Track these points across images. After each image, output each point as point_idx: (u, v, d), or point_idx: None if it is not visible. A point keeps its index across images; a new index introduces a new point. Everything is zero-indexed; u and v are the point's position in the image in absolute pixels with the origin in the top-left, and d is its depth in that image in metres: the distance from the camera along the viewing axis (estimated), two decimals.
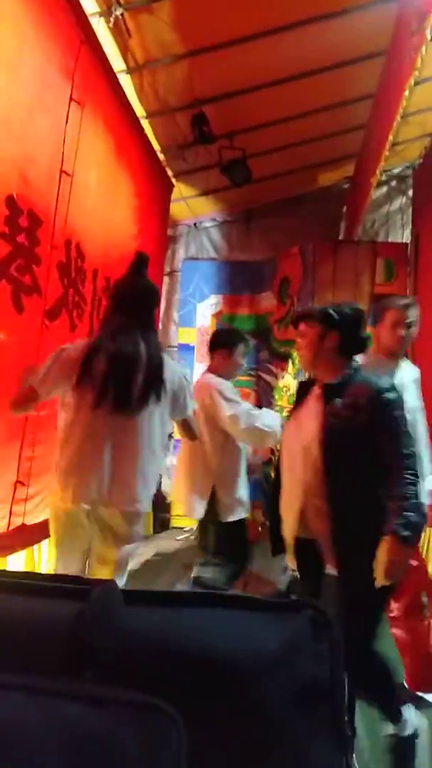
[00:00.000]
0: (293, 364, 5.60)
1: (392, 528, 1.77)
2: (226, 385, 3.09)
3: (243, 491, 3.14)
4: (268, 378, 5.93)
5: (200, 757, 0.58)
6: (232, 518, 3.04)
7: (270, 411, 3.64)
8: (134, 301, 2.24)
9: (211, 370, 3.23)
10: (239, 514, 3.08)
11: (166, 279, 6.14)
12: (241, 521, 3.11)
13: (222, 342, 3.27)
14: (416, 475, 1.82)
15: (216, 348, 3.27)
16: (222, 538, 3.07)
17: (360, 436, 1.88)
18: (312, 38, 3.79)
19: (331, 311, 2.02)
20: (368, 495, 1.88)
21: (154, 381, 2.12)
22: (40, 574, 1.91)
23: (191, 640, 0.63)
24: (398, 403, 1.91)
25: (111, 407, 2.07)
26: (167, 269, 6.14)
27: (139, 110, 4.10)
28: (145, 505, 2.19)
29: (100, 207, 3.47)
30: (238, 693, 0.60)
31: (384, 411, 1.88)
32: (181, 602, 0.67)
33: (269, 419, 3.05)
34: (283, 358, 5.77)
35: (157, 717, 0.59)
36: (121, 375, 2.08)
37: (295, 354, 5.60)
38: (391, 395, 1.91)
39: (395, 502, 1.80)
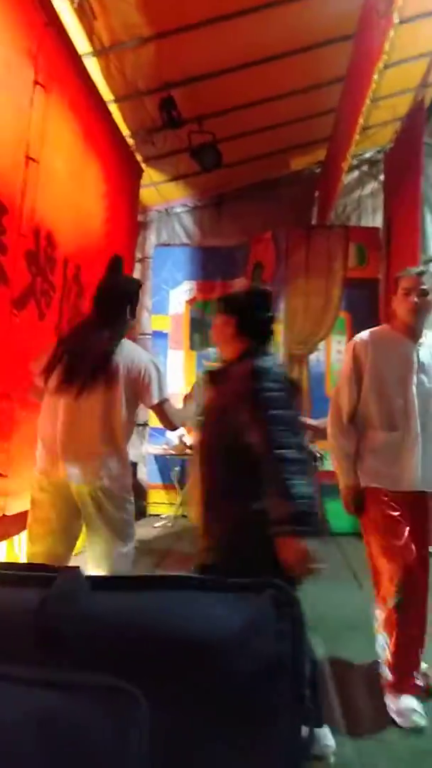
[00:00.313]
0: None
1: (276, 531, 1.63)
2: None
3: None
4: None
5: (166, 735, 0.60)
6: None
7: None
8: (99, 299, 2.46)
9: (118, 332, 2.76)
10: None
11: (137, 265, 6.09)
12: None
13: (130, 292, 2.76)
14: (297, 462, 1.66)
15: None
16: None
17: (232, 421, 1.77)
18: (280, 21, 3.76)
19: (226, 298, 2.10)
20: (238, 483, 1.75)
21: (98, 368, 2.29)
22: (7, 563, 1.92)
23: (156, 622, 0.64)
24: (272, 386, 1.75)
25: (64, 391, 2.30)
26: (138, 255, 6.08)
27: (107, 94, 4.03)
28: (99, 482, 2.26)
29: (68, 193, 3.42)
30: (202, 673, 0.61)
31: (255, 395, 1.74)
32: (146, 586, 0.68)
33: None
34: None
35: (122, 698, 0.60)
36: (71, 363, 2.31)
37: None
38: (265, 378, 1.77)
39: (272, 498, 1.64)
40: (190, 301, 6.13)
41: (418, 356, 2.39)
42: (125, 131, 4.53)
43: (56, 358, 2.34)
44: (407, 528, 2.29)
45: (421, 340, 2.42)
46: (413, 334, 2.42)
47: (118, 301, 2.43)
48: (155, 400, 2.39)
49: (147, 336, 6.16)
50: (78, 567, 0.69)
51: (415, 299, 2.35)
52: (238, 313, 1.97)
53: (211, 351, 6.05)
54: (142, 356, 2.42)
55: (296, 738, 0.60)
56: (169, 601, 0.68)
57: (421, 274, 2.42)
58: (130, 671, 0.61)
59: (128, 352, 2.37)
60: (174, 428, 2.71)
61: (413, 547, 2.28)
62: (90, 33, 3.53)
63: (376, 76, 3.16)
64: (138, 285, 2.61)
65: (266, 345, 1.99)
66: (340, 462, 2.45)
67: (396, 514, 2.31)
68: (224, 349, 2.03)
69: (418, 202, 4.45)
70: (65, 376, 2.30)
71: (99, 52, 3.71)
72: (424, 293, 2.37)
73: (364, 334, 2.50)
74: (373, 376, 2.40)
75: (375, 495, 2.36)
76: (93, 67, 3.75)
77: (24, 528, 2.46)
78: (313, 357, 5.60)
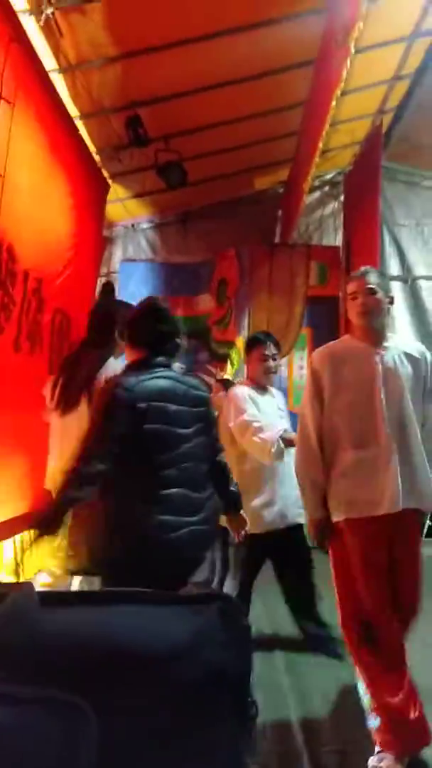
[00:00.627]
0: (232, 364, 5.70)
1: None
2: (243, 393, 3.04)
3: (262, 504, 2.88)
4: (207, 379, 5.99)
5: (115, 745, 0.62)
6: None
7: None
8: (91, 322, 2.72)
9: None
10: (255, 527, 2.59)
11: (103, 280, 6.09)
12: (255, 537, 2.64)
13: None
14: (74, 473, 1.76)
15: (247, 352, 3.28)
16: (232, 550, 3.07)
17: None
18: (245, 45, 3.87)
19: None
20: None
21: (83, 387, 2.47)
22: None
23: (104, 636, 0.66)
24: (110, 394, 1.86)
25: (57, 410, 2.56)
26: (104, 270, 6.08)
27: (73, 111, 4.05)
28: None
29: (32, 207, 3.41)
30: (149, 684, 0.63)
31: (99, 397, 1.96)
32: (96, 601, 0.70)
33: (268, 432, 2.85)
34: (222, 359, 5.85)
35: (70, 712, 0.62)
36: (64, 384, 2.56)
37: (234, 354, 5.70)
38: (111, 386, 1.89)
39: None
40: None
41: (382, 362, 2.13)
42: (92, 148, 4.56)
43: (56, 380, 2.59)
44: (382, 569, 2.05)
45: (386, 344, 2.18)
46: (372, 338, 2.18)
47: (106, 323, 2.62)
48: None
49: None
50: (30, 583, 0.71)
51: (363, 300, 2.17)
52: (128, 325, 2.10)
53: (177, 366, 6.07)
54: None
55: (241, 740, 0.62)
56: (118, 615, 0.70)
57: (365, 274, 2.23)
58: (78, 685, 0.63)
59: (111, 370, 2.39)
60: None
61: (386, 586, 2.04)
62: (56, 50, 3.56)
63: (334, 102, 3.27)
64: (125, 307, 2.71)
65: (160, 356, 1.99)
66: (306, 492, 2.21)
67: (373, 553, 2.05)
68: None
69: (376, 223, 4.60)
70: (58, 396, 2.54)
71: (65, 69, 3.74)
72: (371, 292, 2.17)
73: (323, 348, 2.30)
74: (334, 390, 2.15)
75: (347, 530, 2.09)
76: (59, 83, 3.77)
77: (7, 536, 2.55)
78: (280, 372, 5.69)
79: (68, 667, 0.65)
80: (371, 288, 2.17)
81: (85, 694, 0.63)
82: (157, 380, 1.92)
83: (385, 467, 2.05)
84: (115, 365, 2.48)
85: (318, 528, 2.17)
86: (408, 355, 2.19)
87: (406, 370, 2.15)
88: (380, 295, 2.19)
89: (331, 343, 2.36)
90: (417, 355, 2.21)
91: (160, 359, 1.98)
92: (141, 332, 2.03)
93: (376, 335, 2.19)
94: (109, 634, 0.66)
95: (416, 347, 2.28)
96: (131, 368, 1.99)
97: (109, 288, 2.74)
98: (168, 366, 2.00)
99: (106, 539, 1.81)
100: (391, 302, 2.26)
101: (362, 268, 2.30)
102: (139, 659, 0.65)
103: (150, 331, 2.02)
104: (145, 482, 1.84)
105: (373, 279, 2.20)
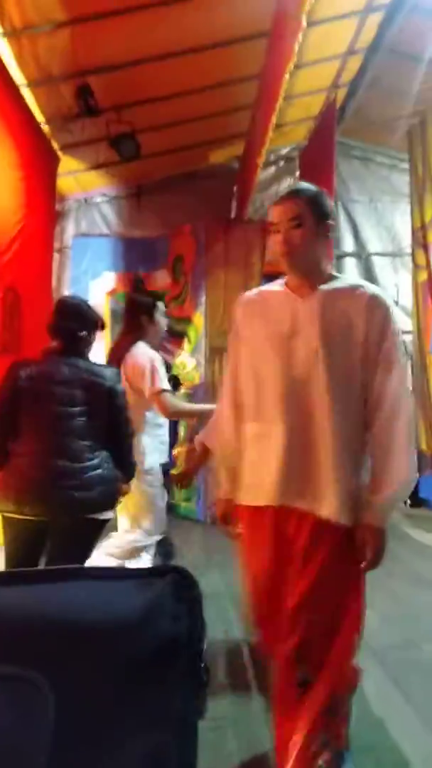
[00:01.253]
0: (189, 341, 5.69)
1: None
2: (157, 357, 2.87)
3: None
4: (164, 356, 5.97)
5: (69, 719, 0.63)
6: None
7: None
8: (124, 313, 3.07)
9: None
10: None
11: (56, 255, 5.95)
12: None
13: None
14: None
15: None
16: None
17: None
18: (198, 14, 3.78)
19: None
20: None
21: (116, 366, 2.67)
22: None
23: (58, 612, 0.67)
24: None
25: None
26: (57, 245, 5.94)
27: (19, 78, 3.90)
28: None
29: None
30: (102, 656, 0.65)
31: None
32: (47, 577, 0.71)
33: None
34: (178, 336, 5.83)
35: (25, 686, 0.63)
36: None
37: (190, 331, 5.69)
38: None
39: None
40: (111, 293, 6.06)
41: (299, 311, 1.62)
42: (41, 118, 4.40)
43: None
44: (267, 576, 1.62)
45: (321, 288, 1.62)
46: (297, 283, 1.66)
47: (133, 311, 2.94)
48: None
49: None
50: None
51: (284, 236, 1.60)
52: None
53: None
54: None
55: (193, 707, 0.65)
56: (72, 591, 0.71)
57: (290, 196, 1.63)
58: (33, 660, 0.64)
59: (141, 353, 2.78)
60: None
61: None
62: (0, 13, 3.40)
63: (287, 76, 3.25)
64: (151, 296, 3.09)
65: (72, 348, 2.30)
66: (216, 466, 1.91)
67: (255, 554, 1.66)
68: None
69: (330, 198, 4.63)
70: None
71: (10, 34, 3.57)
72: (295, 225, 1.58)
73: (245, 294, 1.83)
74: (246, 347, 1.71)
75: (240, 517, 1.73)
76: (3, 49, 3.61)
77: None
78: None
79: (22, 643, 0.66)
80: (296, 218, 1.59)
81: (40, 670, 0.64)
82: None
83: (276, 447, 1.59)
84: (144, 348, 2.79)
85: (220, 509, 1.79)
86: (348, 304, 1.60)
87: (337, 323, 1.58)
88: (310, 224, 1.60)
89: (263, 286, 1.85)
90: (362, 305, 1.59)
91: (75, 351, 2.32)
92: (57, 328, 2.32)
93: (302, 279, 1.65)
94: (61, 610, 0.67)
95: (365, 293, 1.62)
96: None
97: (137, 279, 2.90)
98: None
99: None
100: (329, 231, 1.67)
101: (289, 188, 1.76)
102: (92, 632, 0.67)
103: (62, 327, 2.32)
104: None
105: (299, 205, 1.60)
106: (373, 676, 2.38)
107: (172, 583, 0.72)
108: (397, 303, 6.21)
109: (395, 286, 6.27)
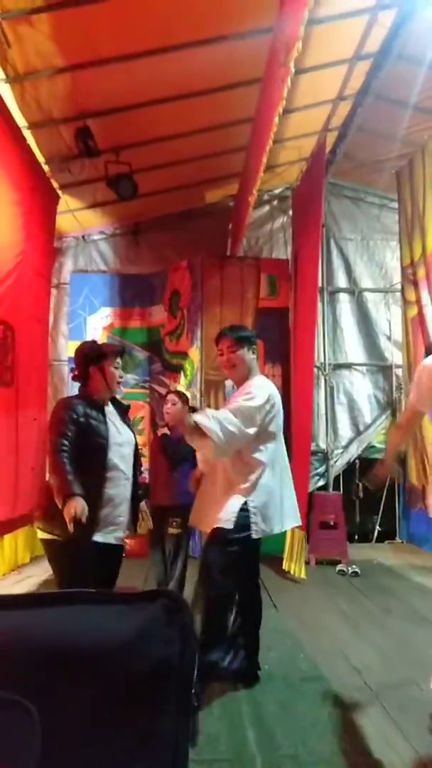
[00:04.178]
0: (185, 375, 5.72)
1: None
2: None
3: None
4: (161, 390, 5.99)
5: (57, 743, 0.63)
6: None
7: None
8: None
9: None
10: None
11: (53, 291, 6.03)
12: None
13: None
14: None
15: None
16: None
17: None
18: (195, 61, 3.94)
19: None
20: None
21: None
22: None
23: (47, 636, 0.67)
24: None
25: None
26: (55, 281, 6.03)
27: (21, 120, 4.03)
28: None
29: None
30: (92, 681, 0.65)
31: None
32: (40, 602, 0.71)
33: None
34: (175, 370, 5.87)
35: (13, 711, 0.62)
36: None
37: (187, 365, 5.73)
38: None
39: None
40: (108, 328, 6.12)
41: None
42: (41, 158, 4.53)
43: None
44: None
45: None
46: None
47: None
48: None
49: (63, 362, 6.07)
50: None
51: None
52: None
53: (130, 377, 6.06)
54: None
55: (183, 729, 0.64)
56: (62, 616, 0.71)
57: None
58: (22, 685, 0.64)
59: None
60: None
61: None
62: (3, 60, 3.54)
63: (277, 119, 3.37)
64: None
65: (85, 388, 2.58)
66: None
67: None
68: None
69: (317, 236, 4.75)
70: None
71: (13, 79, 3.72)
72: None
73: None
74: None
75: None
76: (6, 93, 3.74)
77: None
78: (228, 383, 5.74)
79: (11, 667, 0.65)
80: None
81: (28, 694, 0.64)
82: None
83: None
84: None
85: None
86: None
87: None
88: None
89: None
90: None
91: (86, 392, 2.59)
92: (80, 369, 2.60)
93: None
94: (52, 634, 0.67)
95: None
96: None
97: None
98: None
99: None
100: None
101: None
102: (83, 657, 0.67)
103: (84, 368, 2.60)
104: None
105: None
106: (371, 715, 2.33)
107: (162, 607, 0.72)
108: (389, 338, 6.31)
109: (387, 321, 6.37)
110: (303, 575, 4.53)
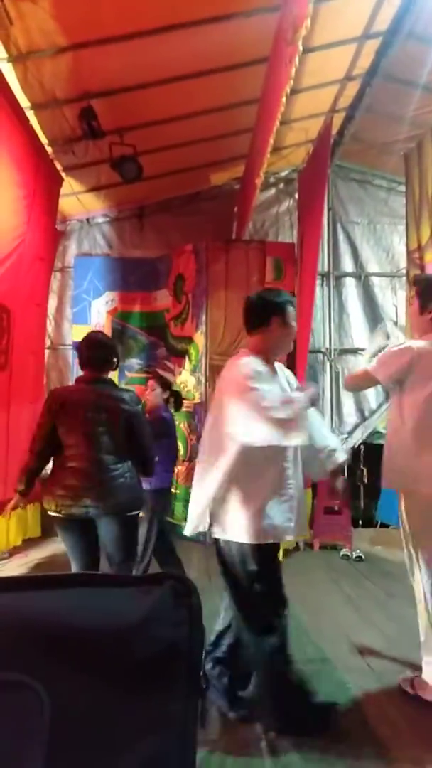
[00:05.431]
0: (190, 360, 5.71)
1: None
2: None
3: None
4: (165, 375, 5.98)
5: (66, 724, 0.63)
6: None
7: None
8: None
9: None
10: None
11: (57, 275, 6.00)
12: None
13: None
14: None
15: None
16: None
17: None
18: (200, 40, 3.87)
19: None
20: None
21: None
22: None
23: (55, 618, 0.66)
24: None
25: None
26: (58, 265, 6.00)
27: (23, 101, 3.98)
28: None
29: None
30: (101, 662, 0.65)
31: None
32: (47, 584, 0.70)
33: None
34: (179, 355, 5.85)
35: (22, 692, 0.62)
36: None
37: (191, 350, 5.71)
38: None
39: None
40: (112, 312, 6.10)
41: None
42: (44, 139, 4.48)
43: None
44: None
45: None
46: None
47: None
48: None
49: (68, 346, 6.06)
50: None
51: None
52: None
53: (134, 361, 6.05)
54: None
55: (191, 711, 0.64)
56: (70, 598, 0.70)
57: None
58: (30, 666, 0.63)
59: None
60: None
61: None
62: (6, 38, 3.48)
63: (284, 100, 3.31)
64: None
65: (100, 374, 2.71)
66: None
67: None
68: None
69: (320, 219, 4.70)
70: None
71: (16, 58, 3.66)
72: None
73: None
74: None
75: None
76: (9, 72, 3.69)
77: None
78: None
79: (19, 649, 0.65)
80: None
81: (36, 676, 0.63)
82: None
83: None
84: None
85: None
86: None
87: None
88: None
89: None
90: None
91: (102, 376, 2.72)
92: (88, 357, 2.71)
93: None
94: (60, 616, 0.67)
95: None
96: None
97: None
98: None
99: None
100: None
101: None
102: (91, 639, 0.66)
103: (95, 356, 2.71)
104: None
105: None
106: (374, 697, 2.35)
107: (170, 590, 0.71)
108: (395, 323, 6.25)
109: (394, 306, 6.32)
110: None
